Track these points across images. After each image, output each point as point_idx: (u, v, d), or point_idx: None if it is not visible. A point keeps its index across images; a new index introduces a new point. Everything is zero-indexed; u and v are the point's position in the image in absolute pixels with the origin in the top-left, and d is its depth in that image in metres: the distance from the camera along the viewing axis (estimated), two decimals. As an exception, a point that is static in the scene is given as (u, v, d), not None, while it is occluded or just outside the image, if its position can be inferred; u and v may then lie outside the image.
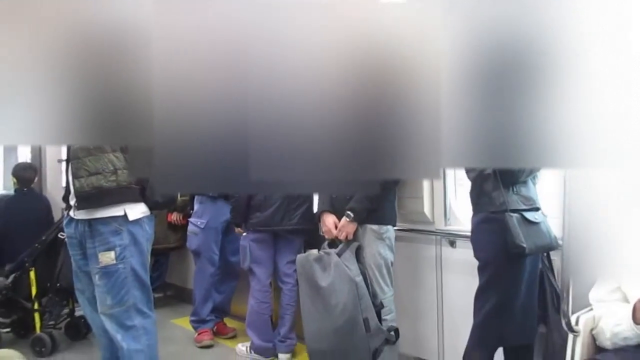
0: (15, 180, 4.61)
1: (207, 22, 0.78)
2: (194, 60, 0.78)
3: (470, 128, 0.82)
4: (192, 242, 3.88)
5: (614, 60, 0.82)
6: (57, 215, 4.57)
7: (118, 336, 2.35)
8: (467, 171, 2.52)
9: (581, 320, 1.90)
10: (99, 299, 2.37)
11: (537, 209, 2.36)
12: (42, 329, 3.73)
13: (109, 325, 2.36)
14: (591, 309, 1.95)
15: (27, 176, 4.60)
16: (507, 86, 0.81)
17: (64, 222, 2.51)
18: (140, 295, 2.39)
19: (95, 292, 2.38)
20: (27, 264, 3.75)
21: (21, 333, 3.94)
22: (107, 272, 2.33)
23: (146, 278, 2.44)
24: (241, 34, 0.78)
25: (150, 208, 2.44)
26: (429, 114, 0.82)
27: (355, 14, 0.80)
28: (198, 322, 3.89)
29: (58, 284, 3.75)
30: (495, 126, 0.82)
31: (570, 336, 1.89)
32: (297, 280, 3.32)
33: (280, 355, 3.47)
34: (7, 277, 3.84)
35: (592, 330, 1.91)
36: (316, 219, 3.06)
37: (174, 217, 4.43)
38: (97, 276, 2.35)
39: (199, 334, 3.87)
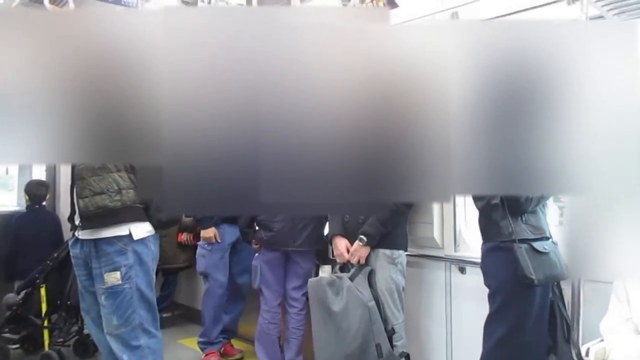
0: (27, 197, 4.65)
1: (217, 43, 0.79)
2: (204, 81, 0.79)
3: (480, 155, 0.83)
4: (200, 264, 3.90)
5: (621, 89, 0.82)
6: (67, 232, 4.60)
7: (124, 356, 2.35)
8: (475, 200, 2.52)
9: (591, 351, 1.87)
10: (105, 319, 2.37)
11: (547, 238, 2.35)
12: (50, 346, 3.73)
13: (115, 346, 2.36)
14: (602, 340, 1.92)
15: (39, 193, 4.64)
16: (517, 114, 0.82)
17: (70, 243, 2.52)
18: (146, 315, 2.39)
19: (101, 312, 2.38)
20: (38, 281, 3.78)
21: (30, 350, 3.95)
22: (113, 292, 2.33)
23: (152, 297, 2.44)
24: (252, 55, 0.79)
25: (155, 227, 2.45)
26: (439, 137, 0.83)
27: (366, 36, 0.81)
28: (206, 344, 3.87)
29: (68, 302, 3.77)
30: (505, 153, 0.82)
31: (581, 367, 1.87)
32: (304, 305, 3.32)
33: (287, 379, 3.45)
34: (18, 293, 3.87)
35: (602, 361, 1.88)
36: (328, 242, 3.05)
37: (184, 237, 4.44)
38: (103, 296, 2.35)
39: (206, 355, 3.85)
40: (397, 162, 0.82)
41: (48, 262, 3.81)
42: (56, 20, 0.80)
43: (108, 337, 2.38)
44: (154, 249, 2.45)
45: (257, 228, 3.44)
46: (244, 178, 0.81)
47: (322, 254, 3.40)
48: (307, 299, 3.03)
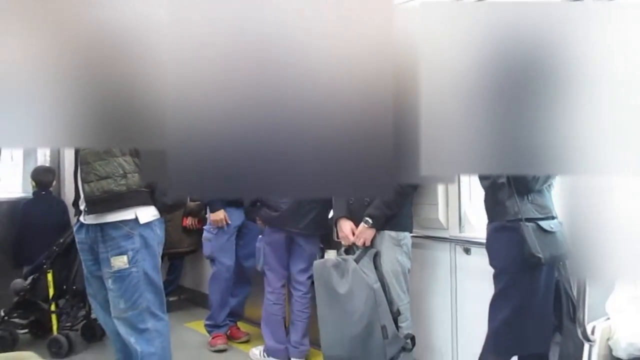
0: (34, 183, 4.66)
1: (221, 26, 0.78)
2: (208, 63, 0.78)
3: (486, 135, 0.82)
4: (207, 248, 3.92)
5: (629, 67, 0.81)
6: (74, 218, 4.62)
7: (131, 339, 2.36)
8: (481, 180, 2.51)
9: (597, 330, 1.88)
10: (112, 303, 2.38)
11: (553, 218, 2.34)
12: (58, 331, 3.78)
13: (123, 329, 2.37)
14: (608, 319, 1.93)
15: (45, 179, 4.65)
16: (523, 93, 0.81)
17: (75, 228, 2.53)
18: (153, 298, 2.40)
19: (109, 296, 2.39)
20: (45, 266, 3.81)
21: (38, 334, 4.00)
22: (120, 276, 2.34)
23: (158, 281, 2.44)
24: (256, 38, 0.78)
25: (160, 211, 2.45)
26: (443, 117, 0.82)
27: (368, 16, 0.80)
28: (213, 327, 3.91)
29: (75, 287, 3.81)
30: (511, 133, 0.82)
31: (586, 346, 1.88)
32: (309, 289, 3.34)
33: (293, 360, 3.49)
34: (25, 278, 3.90)
35: (608, 340, 1.89)
36: (332, 225, 3.05)
37: (189, 221, 4.46)
38: (110, 280, 2.36)
39: (213, 338, 3.89)
40: (401, 142, 0.82)
41: (54, 247, 3.84)
42: (58, 3, 0.79)
43: (115, 321, 2.39)
44: (159, 232, 2.46)
45: (259, 205, 3.45)
46: (248, 160, 0.81)
47: (327, 238, 3.41)
48: (312, 282, 3.05)
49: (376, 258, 2.72)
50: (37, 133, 0.80)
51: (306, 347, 3.49)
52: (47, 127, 0.80)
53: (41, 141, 0.88)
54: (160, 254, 2.50)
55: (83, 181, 2.34)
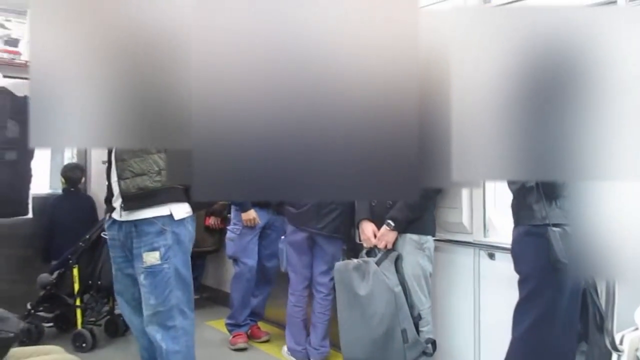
0: (63, 180, 4.75)
1: (247, 25, 0.78)
2: (234, 65, 0.78)
3: (517, 140, 0.81)
4: (230, 248, 3.94)
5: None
6: (101, 214, 4.69)
7: (158, 336, 2.38)
8: (510, 183, 2.48)
9: (626, 340, 1.84)
10: (144, 299, 2.39)
11: (581, 224, 2.30)
12: (83, 325, 3.85)
13: (150, 326, 2.39)
14: (636, 329, 1.89)
15: (75, 176, 4.74)
16: (554, 98, 0.80)
17: (106, 225, 2.56)
18: (182, 296, 2.41)
19: (141, 291, 2.41)
20: (70, 262, 3.88)
21: (63, 328, 4.07)
22: (152, 272, 2.36)
23: (189, 278, 2.46)
24: (281, 40, 0.78)
25: (193, 208, 2.47)
26: (469, 122, 0.81)
27: (394, 16, 0.79)
28: (234, 326, 3.94)
29: (99, 282, 3.86)
30: (541, 138, 0.81)
31: (614, 355, 1.84)
32: (331, 290, 3.34)
33: (313, 362, 3.49)
34: (51, 273, 3.97)
35: (636, 350, 1.85)
36: (355, 227, 3.05)
37: (212, 220, 4.50)
38: (142, 276, 2.37)
39: (233, 337, 3.91)
40: (427, 145, 0.81)
41: (80, 243, 3.90)
42: (90, 5, 0.80)
43: (145, 317, 2.41)
44: (191, 229, 2.48)
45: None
46: (273, 162, 0.80)
47: (353, 242, 3.40)
48: (334, 284, 3.05)
49: (397, 261, 2.71)
50: (67, 133, 0.81)
51: (326, 349, 3.49)
52: (77, 128, 0.81)
53: (70, 141, 0.89)
54: (191, 251, 2.51)
55: (119, 178, 2.37)
